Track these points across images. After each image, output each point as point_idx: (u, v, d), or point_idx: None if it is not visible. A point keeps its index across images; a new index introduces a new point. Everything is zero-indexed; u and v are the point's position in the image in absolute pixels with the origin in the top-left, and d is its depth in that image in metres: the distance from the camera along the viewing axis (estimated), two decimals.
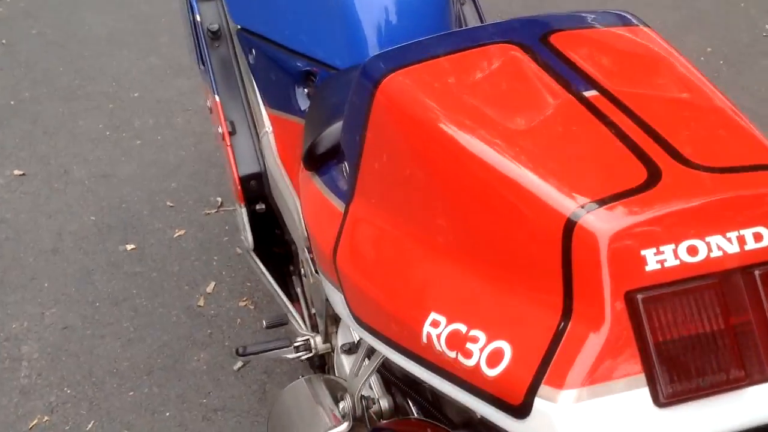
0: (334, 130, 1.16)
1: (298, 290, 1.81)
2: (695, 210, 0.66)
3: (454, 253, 0.80)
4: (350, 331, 1.43)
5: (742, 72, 3.33)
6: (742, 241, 0.65)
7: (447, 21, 1.47)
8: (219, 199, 2.84)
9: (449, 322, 0.76)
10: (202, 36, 1.82)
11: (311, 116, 1.27)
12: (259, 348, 1.58)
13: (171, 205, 2.82)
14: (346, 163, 1.04)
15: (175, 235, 2.68)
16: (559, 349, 0.65)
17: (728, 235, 0.65)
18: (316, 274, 1.49)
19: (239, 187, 1.69)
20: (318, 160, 1.16)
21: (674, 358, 0.63)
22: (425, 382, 0.82)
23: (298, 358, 1.57)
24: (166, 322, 2.34)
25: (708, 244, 0.65)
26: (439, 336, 0.76)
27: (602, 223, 0.65)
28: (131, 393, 2.13)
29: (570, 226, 0.66)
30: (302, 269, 1.64)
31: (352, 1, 1.41)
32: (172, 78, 3.53)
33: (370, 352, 1.06)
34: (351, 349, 1.42)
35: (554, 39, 0.94)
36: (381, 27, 1.42)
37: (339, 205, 1.04)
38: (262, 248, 1.82)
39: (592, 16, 1.01)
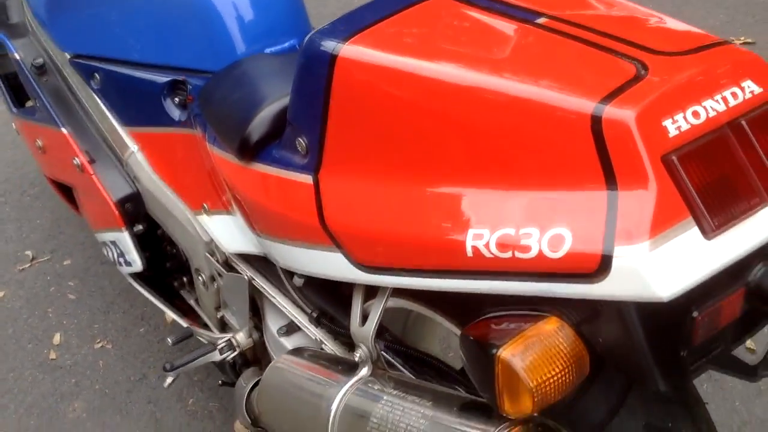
0: (263, 118, 1.21)
1: (191, 302, 1.81)
2: (688, 82, 0.81)
3: (470, 177, 0.90)
4: (282, 315, 1.48)
5: None
6: (725, 100, 0.82)
7: (301, 6, 1.55)
8: (29, 253, 2.70)
9: (493, 230, 0.86)
10: (27, 73, 1.77)
11: (221, 115, 1.30)
12: (186, 359, 1.58)
13: None
14: (300, 139, 1.10)
15: None
16: (618, 214, 0.78)
17: (716, 97, 0.82)
18: (231, 273, 1.53)
19: (117, 212, 1.67)
20: (254, 148, 1.21)
21: (710, 198, 0.78)
22: (473, 292, 0.91)
23: (225, 359, 1.59)
24: (23, 383, 2.21)
25: (705, 108, 0.81)
26: (486, 245, 0.86)
27: (625, 109, 0.79)
28: None
29: (596, 120, 0.79)
30: (201, 277, 1.66)
31: (210, 4, 1.45)
32: None
33: (366, 298, 1.13)
34: (289, 330, 1.48)
35: None
36: (241, 24, 1.47)
37: (303, 178, 1.11)
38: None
39: None
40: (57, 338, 2.35)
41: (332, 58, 1.01)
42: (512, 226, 0.84)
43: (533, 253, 0.82)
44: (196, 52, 1.48)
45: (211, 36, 1.46)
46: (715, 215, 0.78)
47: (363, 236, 1.02)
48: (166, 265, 1.83)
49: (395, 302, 1.19)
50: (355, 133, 1.02)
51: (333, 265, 1.08)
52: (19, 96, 2.01)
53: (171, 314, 1.83)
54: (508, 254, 0.85)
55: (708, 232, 0.78)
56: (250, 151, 1.22)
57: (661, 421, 1.03)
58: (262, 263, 1.48)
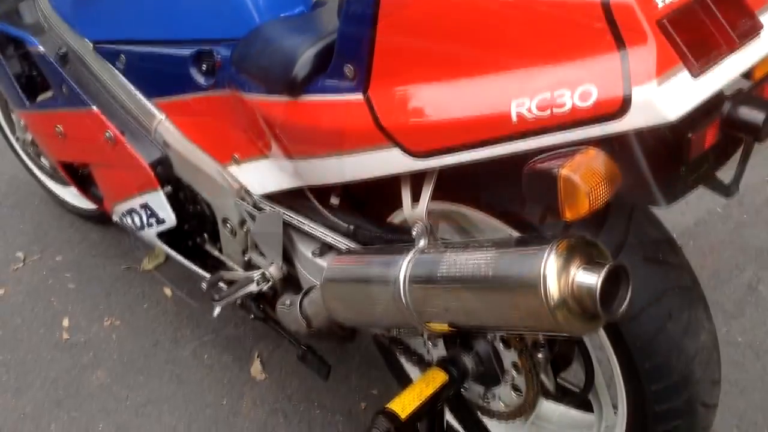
0: (308, 56, 1.47)
1: (216, 253, 2.05)
2: None
3: (508, 62, 1.17)
4: (312, 240, 1.74)
5: None
6: None
7: None
8: (20, 255, 2.87)
9: (532, 97, 1.14)
10: (53, 63, 1.98)
11: (264, 63, 1.55)
12: (228, 291, 1.82)
13: None
14: (348, 65, 1.37)
15: None
16: (629, 66, 1.07)
17: None
18: (264, 212, 1.78)
19: (152, 174, 1.90)
20: (302, 83, 1.47)
21: (695, 46, 1.08)
22: (521, 152, 1.18)
23: (261, 289, 1.83)
24: (44, 362, 2.39)
25: None
26: (529, 109, 1.14)
27: None
28: (52, 426, 2.18)
29: (605, 5, 1.09)
30: (228, 225, 1.90)
31: None
32: None
33: (415, 180, 1.41)
34: (322, 251, 1.73)
35: None
36: None
37: (354, 98, 1.37)
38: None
39: None
40: (66, 321, 2.54)
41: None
42: (547, 90, 1.13)
43: (567, 107, 1.11)
44: (221, 22, 1.73)
45: (232, 6, 1.71)
46: (698, 59, 1.08)
47: (417, 128, 1.29)
48: (185, 227, 2.06)
49: (437, 205, 1.48)
50: (402, 47, 1.29)
51: (390, 160, 1.34)
52: (27, 93, 2.22)
53: (194, 268, 2.06)
54: (547, 113, 1.13)
55: (694, 72, 1.07)
56: (298, 86, 1.48)
57: (655, 255, 1.35)
58: (290, 199, 1.74)
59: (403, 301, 1.34)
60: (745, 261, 2.49)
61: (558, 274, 1.13)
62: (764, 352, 2.18)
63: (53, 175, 2.92)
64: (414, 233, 1.41)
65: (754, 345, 2.20)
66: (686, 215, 2.70)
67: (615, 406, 1.56)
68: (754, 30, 1.14)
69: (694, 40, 1.09)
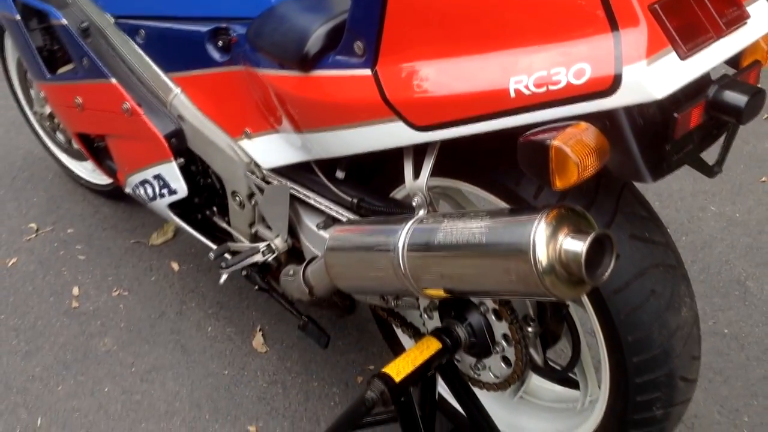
0: (320, 33, 1.55)
1: (224, 225, 2.12)
2: None
3: (507, 41, 1.24)
4: (317, 213, 1.82)
5: None
6: None
7: None
8: (32, 226, 2.95)
9: (530, 74, 1.21)
10: (74, 36, 2.06)
11: (277, 40, 1.63)
12: (235, 260, 1.90)
13: None
14: (358, 42, 1.45)
15: (9, 264, 2.76)
16: (622, 47, 1.14)
17: None
18: (272, 183, 1.86)
19: (166, 145, 1.98)
20: (314, 59, 1.55)
21: (683, 31, 1.15)
22: (518, 126, 1.26)
23: (266, 259, 1.91)
24: (53, 328, 2.47)
25: None
26: (526, 86, 1.21)
27: None
28: (59, 387, 2.26)
29: None
30: (237, 198, 1.98)
31: None
32: None
33: (416, 155, 1.48)
34: (326, 224, 1.81)
35: None
36: None
37: (362, 73, 1.45)
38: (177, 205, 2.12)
39: None
40: (76, 290, 2.62)
41: None
42: (544, 69, 1.21)
43: (563, 84, 1.18)
44: (237, 1, 1.81)
45: None
46: (686, 43, 1.15)
47: (420, 102, 1.36)
48: (195, 199, 2.14)
49: (437, 181, 1.55)
50: (409, 25, 1.37)
51: (394, 133, 1.42)
52: (48, 65, 2.31)
53: (202, 239, 2.14)
54: (543, 89, 1.20)
55: (682, 55, 1.15)
56: (310, 61, 1.55)
57: (641, 233, 1.42)
58: (297, 173, 1.81)
59: (402, 268, 1.41)
60: (735, 257, 2.57)
61: (547, 241, 1.20)
62: (749, 343, 2.25)
63: (68, 150, 3.00)
64: (414, 204, 1.49)
65: (740, 336, 2.27)
66: (681, 212, 2.78)
67: (600, 386, 1.63)
68: (740, 19, 1.22)
69: (683, 25, 1.16)
